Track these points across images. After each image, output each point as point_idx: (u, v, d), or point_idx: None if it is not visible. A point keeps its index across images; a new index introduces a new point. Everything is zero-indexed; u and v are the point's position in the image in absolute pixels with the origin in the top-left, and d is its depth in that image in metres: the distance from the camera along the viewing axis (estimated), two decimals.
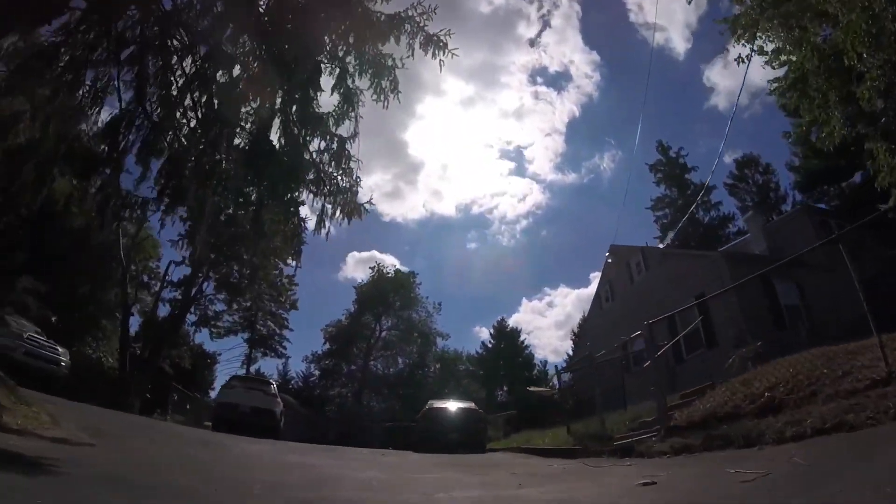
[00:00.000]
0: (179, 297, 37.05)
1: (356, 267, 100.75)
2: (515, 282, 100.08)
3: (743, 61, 11.04)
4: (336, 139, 10.37)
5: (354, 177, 10.62)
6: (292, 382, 58.52)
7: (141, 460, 5.90)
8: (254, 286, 38.76)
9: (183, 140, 11.80)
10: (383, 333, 56.02)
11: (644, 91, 54.38)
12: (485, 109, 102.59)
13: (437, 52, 9.96)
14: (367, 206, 11.33)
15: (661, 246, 51.14)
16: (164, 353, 37.34)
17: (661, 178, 54.45)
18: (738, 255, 20.25)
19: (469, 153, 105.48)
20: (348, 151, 10.53)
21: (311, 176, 11.22)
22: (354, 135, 11.21)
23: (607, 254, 25.53)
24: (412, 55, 10.62)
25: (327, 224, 10.54)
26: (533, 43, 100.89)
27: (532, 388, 36.60)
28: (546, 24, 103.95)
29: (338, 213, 10.83)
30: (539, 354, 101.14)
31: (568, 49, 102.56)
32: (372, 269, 56.92)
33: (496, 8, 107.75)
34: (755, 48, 10.90)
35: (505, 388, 57.57)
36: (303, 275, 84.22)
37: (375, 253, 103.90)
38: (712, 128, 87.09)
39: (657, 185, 54.36)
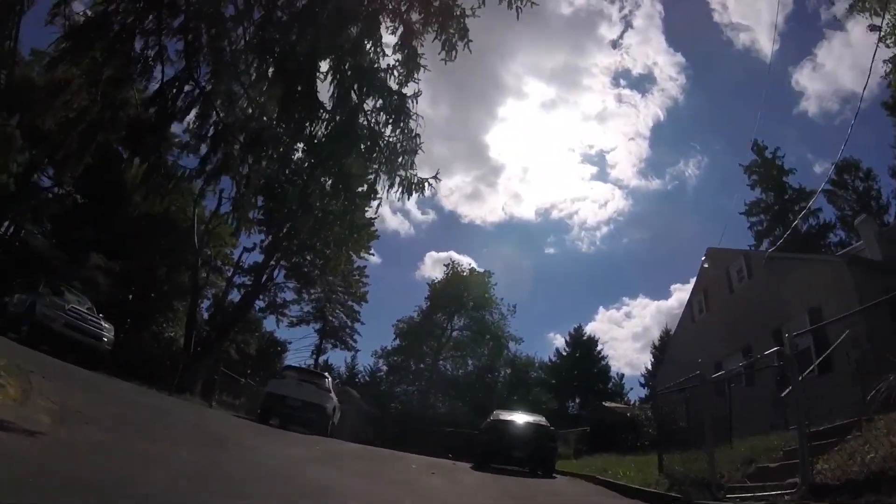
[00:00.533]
0: (249, 283, 36.91)
1: (434, 266, 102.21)
2: (593, 289, 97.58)
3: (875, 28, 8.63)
4: (395, 96, 8.80)
5: (414, 139, 8.99)
6: (359, 376, 58.29)
7: (79, 463, 4.42)
8: (325, 277, 38.16)
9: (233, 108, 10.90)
10: (454, 333, 54.51)
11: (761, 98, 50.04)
12: (567, 112, 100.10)
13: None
14: (431, 181, 9.71)
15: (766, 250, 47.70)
16: (230, 338, 37.50)
17: (756, 180, 50.26)
18: (864, 262, 17.15)
19: (550, 157, 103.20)
20: (408, 109, 8.89)
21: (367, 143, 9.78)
22: (417, 93, 9.65)
23: (703, 258, 22.81)
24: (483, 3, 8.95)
25: (381, 193, 9.07)
26: (615, 44, 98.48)
27: (608, 404, 34.07)
28: (628, 25, 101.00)
29: (395, 184, 9.30)
30: (614, 366, 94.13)
31: (651, 50, 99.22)
32: (447, 266, 55.60)
33: (577, 9, 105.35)
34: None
35: (577, 401, 54.81)
36: (381, 271, 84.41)
37: (453, 253, 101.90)
38: (802, 134, 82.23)
39: (751, 188, 50.20)
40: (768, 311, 18.65)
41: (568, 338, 58.64)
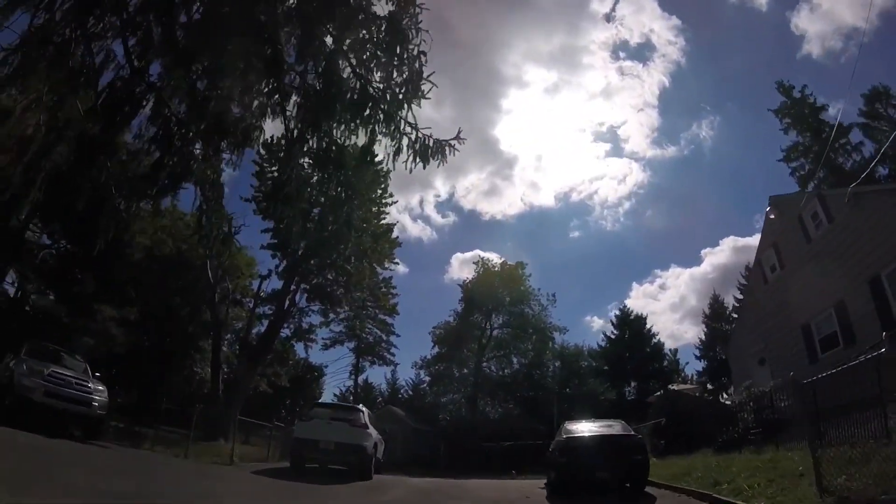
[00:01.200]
0: (271, 311, 34.95)
1: (461, 268, 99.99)
2: (624, 266, 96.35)
3: None
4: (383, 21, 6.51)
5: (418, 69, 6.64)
6: (402, 391, 56.24)
7: None
8: (350, 294, 36.04)
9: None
10: (495, 332, 51.89)
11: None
12: (571, 94, 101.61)
13: None
14: (453, 142, 7.40)
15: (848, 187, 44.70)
16: (259, 373, 35.62)
17: (789, 123, 47.04)
18: None
19: (561, 140, 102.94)
20: (404, 32, 6.55)
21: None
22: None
23: (767, 209, 19.94)
24: None
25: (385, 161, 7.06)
26: (609, 18, 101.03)
27: (676, 388, 31.25)
28: None
29: (403, 147, 7.04)
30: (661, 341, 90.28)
31: (646, 18, 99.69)
32: (476, 264, 52.99)
33: None
34: None
35: (633, 385, 51.81)
36: (409, 280, 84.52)
37: (479, 252, 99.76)
38: (810, 78, 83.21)
39: (784, 132, 47.20)
40: (860, 258, 15.87)
41: (614, 319, 55.76)
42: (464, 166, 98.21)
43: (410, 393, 55.25)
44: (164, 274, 33.53)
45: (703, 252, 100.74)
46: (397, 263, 42.20)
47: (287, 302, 34.00)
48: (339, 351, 57.19)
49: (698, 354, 55.46)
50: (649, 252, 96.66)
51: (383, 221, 37.47)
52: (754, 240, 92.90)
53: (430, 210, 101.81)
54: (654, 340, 54.27)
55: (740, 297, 50.27)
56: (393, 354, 57.59)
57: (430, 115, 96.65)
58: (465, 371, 52.16)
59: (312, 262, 33.81)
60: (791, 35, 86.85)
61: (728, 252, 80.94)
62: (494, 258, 52.32)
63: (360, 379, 56.40)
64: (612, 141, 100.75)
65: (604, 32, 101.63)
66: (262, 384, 38.76)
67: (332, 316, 36.79)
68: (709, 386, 53.72)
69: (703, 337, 55.77)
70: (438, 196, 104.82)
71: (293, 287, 34.54)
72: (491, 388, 51.60)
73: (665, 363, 53.27)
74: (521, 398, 48.81)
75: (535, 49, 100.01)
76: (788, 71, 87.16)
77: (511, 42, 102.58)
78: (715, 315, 55.29)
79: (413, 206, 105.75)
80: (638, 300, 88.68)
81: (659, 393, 28.60)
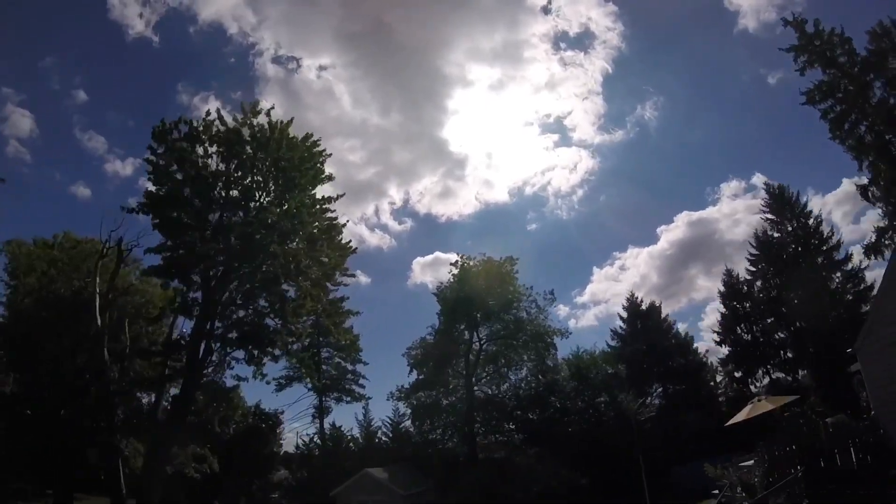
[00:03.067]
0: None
1: (423, 272, 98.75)
2: (583, 252, 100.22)
3: None
4: None
5: None
6: (380, 433, 46.77)
7: None
8: (291, 325, 26.84)
9: None
10: (484, 345, 43.61)
11: None
12: (516, 88, 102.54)
13: None
14: None
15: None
16: (182, 444, 26.45)
17: (806, 61, 39.34)
18: None
19: (510, 136, 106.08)
20: None
21: None
22: None
23: None
24: None
25: None
26: (546, 10, 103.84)
27: (764, 401, 22.94)
28: None
29: None
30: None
31: (583, 7, 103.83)
32: (454, 265, 44.14)
33: None
34: None
35: (659, 389, 43.92)
36: (372, 291, 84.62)
37: (439, 254, 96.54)
38: (746, 51, 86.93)
39: (801, 72, 39.65)
40: None
41: (624, 312, 47.73)
42: (416, 170, 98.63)
43: (389, 433, 45.88)
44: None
45: (658, 230, 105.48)
46: (353, 276, 32.95)
47: (202, 349, 24.81)
48: (298, 390, 47.30)
49: (718, 339, 47.93)
50: (607, 236, 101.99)
51: (328, 215, 28.71)
52: (707, 213, 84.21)
53: (386, 218, 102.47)
54: (674, 330, 46.81)
55: (752, 269, 44.65)
56: (363, 386, 48.59)
57: (377, 122, 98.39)
58: (454, 399, 43.47)
59: (232, 287, 24.75)
60: (726, 11, 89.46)
61: (683, 227, 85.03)
62: (476, 256, 43.43)
63: (327, 422, 46.99)
64: (560, 131, 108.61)
65: (543, 25, 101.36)
66: (190, 467, 29.09)
67: (266, 359, 27.14)
68: (736, 374, 46.75)
69: (722, 318, 48.25)
70: (393, 203, 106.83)
71: (208, 327, 25.41)
72: (489, 413, 43.07)
73: (689, 357, 45.47)
74: (528, 420, 40.42)
75: (476, 47, 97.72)
76: (725, 46, 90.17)
77: (452, 42, 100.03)
78: (733, 293, 47.80)
79: (369, 216, 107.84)
80: (600, 283, 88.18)
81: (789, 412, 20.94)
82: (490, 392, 44.24)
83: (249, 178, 25.10)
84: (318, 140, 28.22)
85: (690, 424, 36.37)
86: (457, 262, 43.38)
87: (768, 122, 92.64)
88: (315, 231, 27.68)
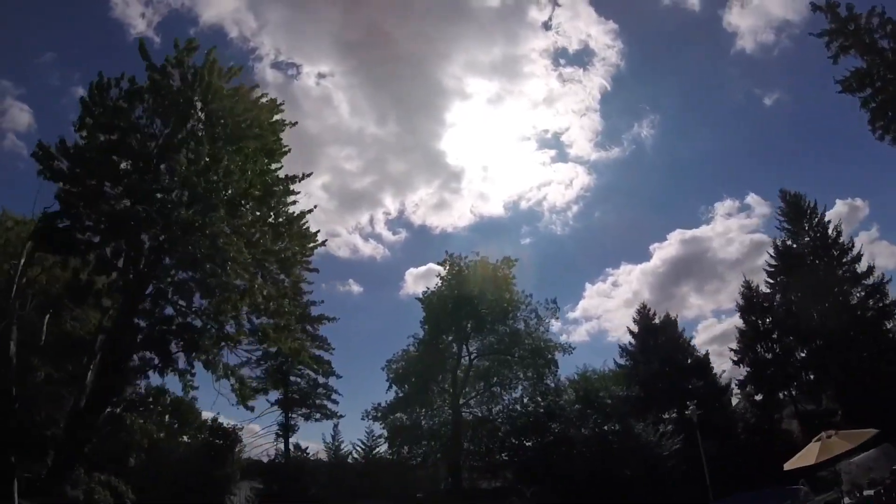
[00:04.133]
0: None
1: (416, 283, 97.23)
2: (576, 268, 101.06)
3: None
4: None
5: None
6: (350, 456, 41.34)
7: None
8: (232, 323, 21.70)
9: None
10: (474, 360, 38.39)
11: None
12: (514, 103, 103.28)
13: None
14: None
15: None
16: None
17: (840, 46, 35.42)
18: None
19: (507, 150, 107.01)
20: None
21: None
22: None
23: None
24: None
25: None
26: (547, 26, 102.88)
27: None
28: (556, 4, 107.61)
29: None
30: (611, 336, 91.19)
31: (583, 24, 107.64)
32: (443, 264, 38.48)
33: None
34: None
35: (673, 413, 38.68)
36: (363, 301, 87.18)
37: (432, 265, 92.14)
38: (743, 71, 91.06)
39: (834, 60, 35.88)
40: None
41: (635, 327, 42.57)
42: (411, 182, 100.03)
43: (362, 455, 40.46)
44: None
45: (651, 247, 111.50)
46: (314, 270, 27.84)
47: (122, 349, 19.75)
48: (261, 404, 41.92)
49: (735, 358, 43.07)
50: (600, 252, 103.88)
51: (292, 204, 23.91)
52: (701, 231, 79.15)
53: (380, 228, 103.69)
54: (690, 346, 41.99)
55: (771, 281, 40.84)
56: (336, 402, 43.36)
57: (374, 132, 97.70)
58: (437, 421, 38.23)
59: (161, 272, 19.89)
60: (724, 32, 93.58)
61: (676, 245, 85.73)
62: (468, 255, 38.24)
63: (292, 442, 41.70)
64: (557, 147, 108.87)
65: (543, 40, 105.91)
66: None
67: (195, 369, 21.72)
68: (756, 397, 41.74)
69: (740, 335, 43.33)
70: (388, 213, 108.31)
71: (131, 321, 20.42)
72: (479, 441, 37.91)
73: (705, 379, 40.39)
74: (524, 451, 35.22)
75: (475, 60, 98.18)
76: (722, 67, 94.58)
77: (452, 54, 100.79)
78: (752, 307, 43.00)
79: (363, 225, 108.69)
80: (592, 299, 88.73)
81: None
82: (480, 415, 38.86)
83: (183, 133, 20.12)
84: (278, 103, 23.46)
85: (713, 457, 31.43)
86: (446, 260, 38.02)
87: (763, 143, 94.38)
88: (274, 214, 22.90)
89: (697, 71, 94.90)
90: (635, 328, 43.09)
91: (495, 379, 38.48)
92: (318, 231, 25.02)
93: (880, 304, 37.25)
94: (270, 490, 36.15)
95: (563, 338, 48.71)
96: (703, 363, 40.61)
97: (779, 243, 40.75)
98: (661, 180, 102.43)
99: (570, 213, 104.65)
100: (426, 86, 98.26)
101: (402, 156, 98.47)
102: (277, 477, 37.31)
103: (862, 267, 38.05)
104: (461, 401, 37.47)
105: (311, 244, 25.04)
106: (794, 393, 40.04)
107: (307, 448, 42.61)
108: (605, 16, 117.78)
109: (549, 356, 36.97)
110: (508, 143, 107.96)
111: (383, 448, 39.57)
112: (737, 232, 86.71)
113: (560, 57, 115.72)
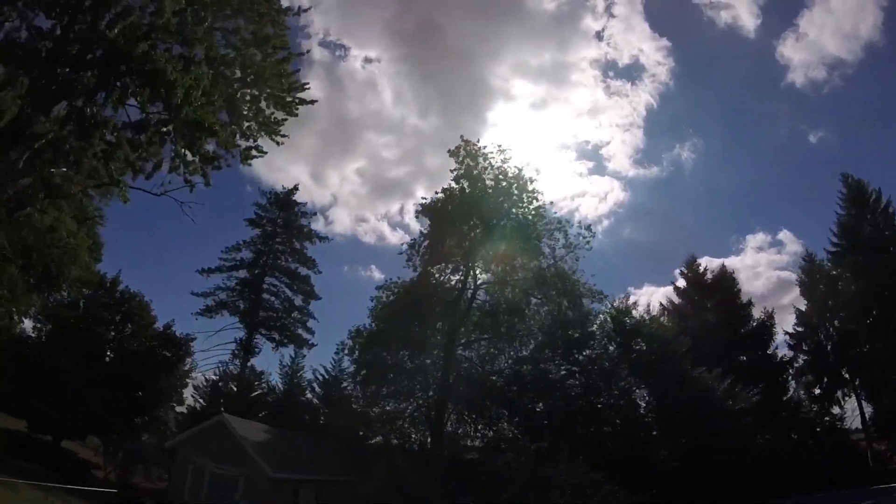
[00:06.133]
0: None
1: None
2: (599, 283, 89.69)
3: None
4: None
5: None
6: (308, 391, 34.21)
7: None
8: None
9: None
10: (480, 286, 30.58)
11: None
12: (558, 110, 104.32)
13: None
14: None
15: None
16: None
17: None
18: None
19: (545, 156, 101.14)
20: None
21: None
22: None
23: None
24: None
25: None
26: (600, 36, 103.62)
27: None
28: (611, 15, 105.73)
29: None
30: None
31: (636, 38, 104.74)
32: (454, 154, 29.36)
33: (560, 3, 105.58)
34: None
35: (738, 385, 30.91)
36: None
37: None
38: (791, 105, 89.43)
39: None
40: None
41: (682, 281, 35.16)
42: (446, 176, 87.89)
43: (318, 392, 33.49)
44: None
45: (676, 272, 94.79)
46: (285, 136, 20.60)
47: None
48: (223, 320, 35.86)
49: (791, 342, 37.33)
50: (625, 270, 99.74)
51: None
52: (729, 261, 75.58)
53: (409, 218, 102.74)
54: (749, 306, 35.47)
55: (836, 260, 36.93)
56: (311, 331, 37.11)
57: (414, 122, 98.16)
58: (428, 361, 30.77)
59: None
60: (776, 63, 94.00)
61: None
62: (488, 147, 29.70)
63: (250, 364, 35.46)
64: (596, 159, 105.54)
65: (594, 50, 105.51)
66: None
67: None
68: (815, 391, 34.65)
69: (799, 316, 36.59)
70: (419, 205, 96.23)
71: None
72: (476, 393, 29.92)
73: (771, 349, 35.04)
74: (531, 422, 27.66)
75: (524, 62, 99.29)
76: (770, 98, 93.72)
77: (501, 54, 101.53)
78: (813, 283, 35.80)
79: (392, 214, 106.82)
80: None
81: None
82: (479, 359, 31.72)
83: None
84: None
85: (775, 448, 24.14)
86: (459, 148, 29.28)
87: (803, 180, 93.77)
88: None
89: (745, 99, 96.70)
90: (682, 283, 35.85)
91: (504, 316, 30.69)
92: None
93: None
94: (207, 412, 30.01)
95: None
96: (765, 329, 33.31)
97: (843, 221, 37.04)
98: (696, 205, 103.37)
99: (601, 227, 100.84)
100: (472, 83, 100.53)
101: (440, 149, 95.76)
102: (219, 399, 31.17)
103: None
104: (460, 340, 30.44)
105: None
106: (858, 390, 35.49)
107: (262, 371, 36.38)
108: (658, 32, 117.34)
109: (577, 295, 29.25)
110: (547, 149, 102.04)
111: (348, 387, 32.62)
112: (765, 267, 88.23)
113: (609, 69, 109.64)
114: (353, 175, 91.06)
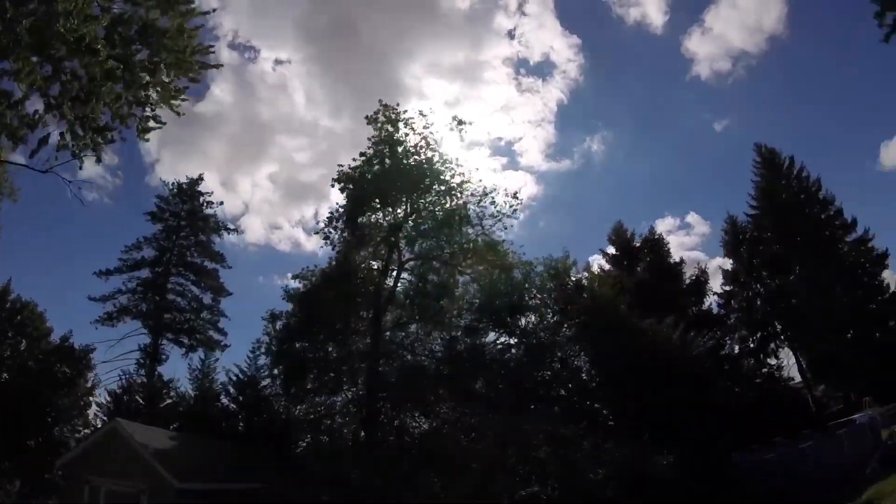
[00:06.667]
0: None
1: None
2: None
3: None
4: None
5: None
6: (224, 396, 31.05)
7: None
8: None
9: None
10: (406, 263, 28.52)
11: None
12: (472, 107, 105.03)
13: None
14: None
15: None
16: None
17: None
18: None
19: (459, 154, 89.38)
20: None
21: None
22: None
23: None
24: None
25: None
26: (512, 34, 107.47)
27: None
28: (523, 13, 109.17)
29: None
30: None
31: (547, 36, 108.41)
32: (372, 121, 27.18)
33: (473, 2, 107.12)
34: None
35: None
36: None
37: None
38: (697, 96, 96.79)
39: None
40: None
41: (610, 248, 34.76)
42: None
43: (233, 395, 30.36)
44: None
45: (591, 259, 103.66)
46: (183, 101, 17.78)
47: None
48: (128, 326, 32.49)
49: (721, 301, 38.21)
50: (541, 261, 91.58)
51: None
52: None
53: (325, 224, 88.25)
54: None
55: (755, 223, 38.67)
56: (224, 333, 34.35)
57: (327, 124, 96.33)
58: (355, 350, 28.57)
59: None
60: (682, 57, 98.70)
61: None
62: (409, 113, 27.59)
63: (165, 370, 32.37)
64: (509, 155, 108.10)
65: (507, 48, 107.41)
66: None
67: None
68: (750, 344, 35.64)
69: (725, 277, 37.75)
70: (335, 210, 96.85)
71: None
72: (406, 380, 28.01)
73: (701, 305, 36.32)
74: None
75: (438, 61, 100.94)
76: (677, 90, 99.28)
77: (415, 53, 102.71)
78: (738, 241, 38.24)
79: (307, 219, 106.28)
80: None
81: None
82: (409, 343, 29.81)
83: None
84: None
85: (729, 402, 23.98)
86: (377, 113, 27.12)
87: (709, 166, 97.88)
88: None
89: (653, 92, 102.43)
90: (612, 250, 35.40)
91: (431, 283, 28.73)
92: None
93: (871, 256, 35.64)
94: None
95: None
96: (700, 285, 33.89)
97: (761, 186, 38.50)
98: (607, 195, 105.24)
99: (516, 221, 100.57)
100: (385, 82, 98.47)
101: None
102: (122, 413, 27.90)
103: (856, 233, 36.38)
104: (388, 325, 28.56)
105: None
106: (789, 339, 36.87)
107: (172, 379, 32.93)
108: (569, 29, 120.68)
109: (509, 269, 27.79)
110: (461, 147, 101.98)
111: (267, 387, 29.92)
112: (675, 248, 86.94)
113: (521, 66, 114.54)
114: (265, 181, 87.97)
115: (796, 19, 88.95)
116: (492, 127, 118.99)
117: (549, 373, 26.30)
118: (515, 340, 27.69)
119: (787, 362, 36.71)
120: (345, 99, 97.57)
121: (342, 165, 27.22)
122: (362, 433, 27.25)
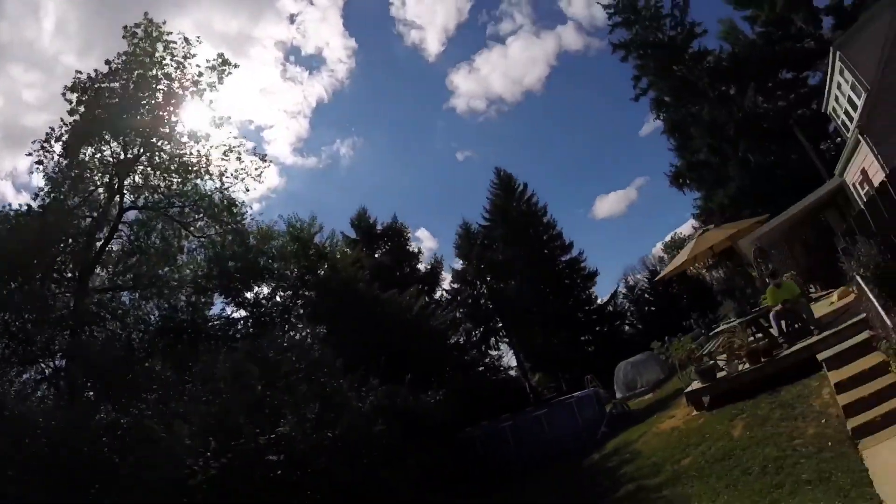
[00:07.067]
0: None
1: None
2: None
3: None
4: None
5: None
6: None
7: None
8: None
9: None
10: (124, 231, 25.26)
11: None
12: (229, 81, 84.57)
13: None
14: None
15: None
16: None
17: None
18: None
19: (204, 127, 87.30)
20: None
21: None
22: None
23: None
24: None
25: None
26: (293, 19, 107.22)
27: None
28: (310, 2, 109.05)
29: None
30: None
31: (327, 30, 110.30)
32: (132, 32, 23.59)
33: None
34: None
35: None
36: None
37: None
38: (448, 125, 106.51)
39: None
40: None
41: (353, 230, 34.91)
42: None
43: None
44: None
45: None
46: None
47: None
48: None
49: (448, 296, 44.38)
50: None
51: None
52: None
53: (39, 180, 78.08)
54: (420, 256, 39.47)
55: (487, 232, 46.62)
56: None
57: (71, 62, 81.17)
58: (53, 316, 23.69)
59: None
60: (444, 87, 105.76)
61: None
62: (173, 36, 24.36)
63: None
64: (257, 140, 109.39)
65: (284, 31, 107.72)
66: None
67: None
68: (474, 338, 40.01)
69: (455, 275, 42.48)
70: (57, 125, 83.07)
71: None
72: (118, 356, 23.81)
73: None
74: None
75: (209, 24, 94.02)
76: (433, 116, 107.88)
77: (188, 7, 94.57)
78: (470, 246, 43.95)
79: (20, 173, 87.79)
80: (251, 294, 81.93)
81: None
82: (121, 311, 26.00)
83: None
84: None
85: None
86: (139, 24, 23.72)
87: (445, 190, 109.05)
88: None
89: (410, 112, 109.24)
90: (353, 234, 35.84)
91: (151, 265, 25.77)
92: None
93: (581, 273, 45.50)
94: None
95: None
96: (435, 274, 36.41)
97: (496, 203, 46.55)
98: (347, 200, 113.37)
99: (255, 208, 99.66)
100: (147, 29, 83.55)
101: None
102: None
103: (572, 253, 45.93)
104: (96, 287, 24.71)
105: None
106: (509, 334, 43.77)
107: None
108: (350, 32, 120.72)
109: (245, 235, 26.11)
110: (208, 117, 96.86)
111: None
112: None
113: (292, 54, 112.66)
114: None
115: (554, 84, 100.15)
116: (246, 106, 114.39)
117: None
118: (248, 311, 25.84)
119: (507, 354, 43.22)
120: (97, 39, 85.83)
121: (81, 72, 22.91)
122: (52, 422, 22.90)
